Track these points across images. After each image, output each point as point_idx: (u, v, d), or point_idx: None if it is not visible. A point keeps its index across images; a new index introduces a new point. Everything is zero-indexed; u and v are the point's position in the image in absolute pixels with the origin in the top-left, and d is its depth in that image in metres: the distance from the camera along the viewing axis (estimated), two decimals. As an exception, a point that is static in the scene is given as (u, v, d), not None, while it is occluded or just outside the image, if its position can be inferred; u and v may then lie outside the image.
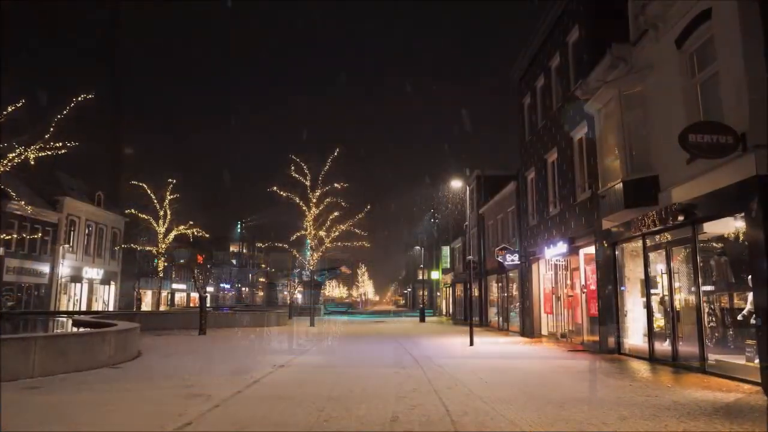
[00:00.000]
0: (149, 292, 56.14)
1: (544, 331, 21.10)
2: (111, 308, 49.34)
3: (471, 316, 17.89)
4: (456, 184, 18.64)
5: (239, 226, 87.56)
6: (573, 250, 17.18)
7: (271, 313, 30.99)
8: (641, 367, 11.13)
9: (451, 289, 46.66)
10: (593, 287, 15.93)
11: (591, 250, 16.72)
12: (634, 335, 13.44)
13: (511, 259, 22.51)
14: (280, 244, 33.69)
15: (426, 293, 54.85)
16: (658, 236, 11.63)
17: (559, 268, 19.81)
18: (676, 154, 10.47)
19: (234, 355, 14.39)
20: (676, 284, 11.06)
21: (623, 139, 12.11)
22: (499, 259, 23.25)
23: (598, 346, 14.90)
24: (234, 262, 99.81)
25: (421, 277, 79.63)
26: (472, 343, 16.94)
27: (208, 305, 73.42)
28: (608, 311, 14.17)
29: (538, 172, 20.77)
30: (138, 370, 10.88)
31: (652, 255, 12.10)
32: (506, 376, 9.91)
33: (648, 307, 12.06)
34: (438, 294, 63.09)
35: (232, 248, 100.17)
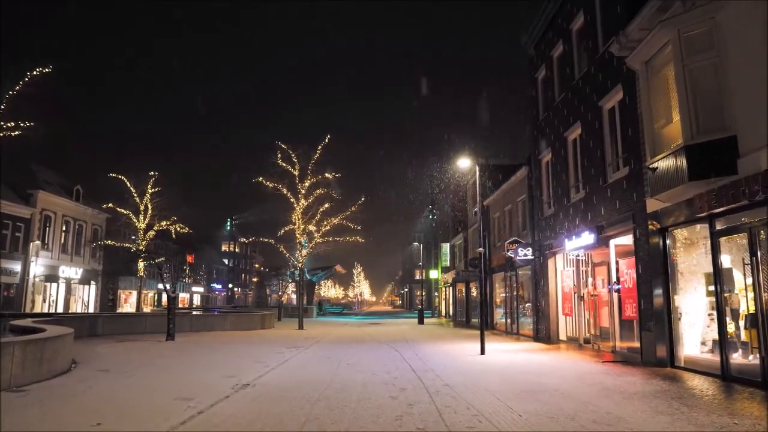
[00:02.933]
0: (134, 293, 53.30)
1: (562, 336, 18.43)
2: (91, 309, 46.65)
3: (482, 319, 15.18)
4: (463, 163, 15.89)
5: (229, 223, 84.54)
6: (602, 241, 14.49)
7: (256, 315, 28.22)
8: (720, 390, 8.42)
9: (451, 288, 43.93)
10: (629, 284, 13.26)
11: (625, 240, 14.07)
12: (691, 344, 10.75)
13: (524, 253, 19.82)
14: (266, 239, 30.94)
15: (424, 293, 52.09)
16: (735, 216, 8.93)
17: (582, 263, 17.14)
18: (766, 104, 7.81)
19: (192, 368, 11.64)
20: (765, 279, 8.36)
21: (685, 94, 9.42)
22: (510, 253, 20.56)
23: (640, 356, 12.23)
24: (226, 261, 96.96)
25: (418, 277, 76.96)
26: (483, 352, 14.23)
27: (198, 306, 70.64)
28: (654, 314, 11.48)
29: (556, 154, 18.08)
30: (45, 394, 8.11)
31: (723, 241, 9.41)
32: (544, 406, 7.20)
33: (718, 308, 9.35)
34: (436, 294, 60.36)
35: (225, 248, 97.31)
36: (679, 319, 10.80)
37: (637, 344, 13.32)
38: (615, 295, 14.35)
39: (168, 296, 18.99)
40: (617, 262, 14.20)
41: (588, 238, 15.00)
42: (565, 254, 18.19)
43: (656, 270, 11.37)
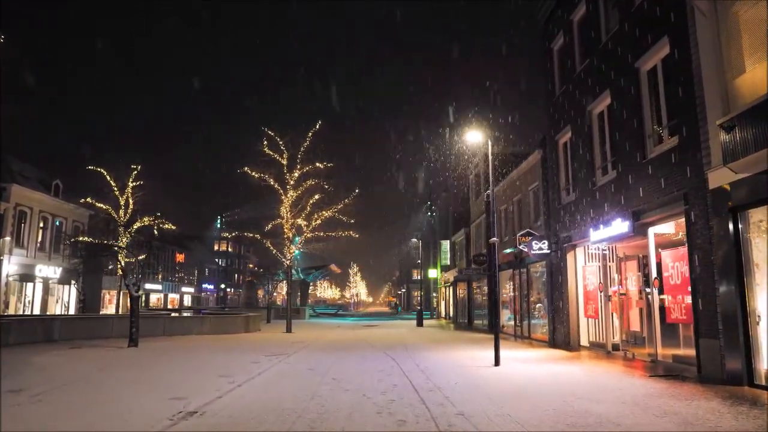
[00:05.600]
0: (121, 293, 50.70)
1: (584, 341, 16.06)
2: (72, 311, 44.19)
3: (495, 322, 12.73)
4: (473, 137, 13.35)
5: (219, 221, 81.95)
6: (639, 229, 12.11)
7: (238, 317, 25.75)
8: None
9: (451, 288, 41.52)
10: (676, 281, 10.87)
11: (669, 227, 11.77)
12: (772, 356, 8.36)
13: (539, 247, 17.41)
14: (250, 234, 28.45)
15: (422, 294, 49.66)
16: None
17: (609, 257, 14.78)
18: None
19: (134, 386, 9.20)
20: None
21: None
22: (522, 247, 18.16)
23: (696, 368, 9.82)
24: (219, 261, 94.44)
25: (416, 277, 74.45)
26: (497, 362, 11.82)
27: (188, 306, 68.02)
28: (722, 317, 9.08)
29: (578, 131, 15.70)
30: None
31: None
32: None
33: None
34: (435, 295, 57.98)
35: (218, 247, 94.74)
36: (758, 323, 8.41)
37: (685, 352, 11.00)
38: (655, 293, 11.98)
39: (131, 296, 16.53)
40: (659, 255, 11.82)
41: (620, 226, 12.62)
42: (587, 247, 15.85)
43: (723, 261, 8.97)
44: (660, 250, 11.78)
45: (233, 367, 11.65)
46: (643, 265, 13.74)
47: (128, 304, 43.95)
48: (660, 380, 9.44)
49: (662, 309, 11.69)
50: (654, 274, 12.00)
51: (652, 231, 12.11)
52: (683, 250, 10.56)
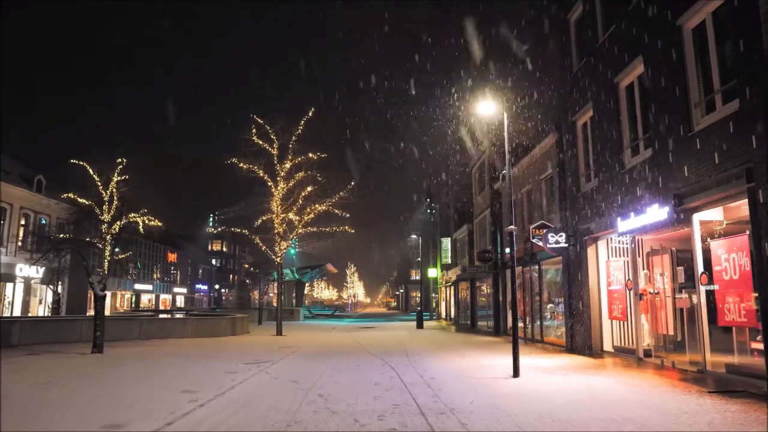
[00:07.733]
0: (107, 294, 48.65)
1: (608, 346, 14.23)
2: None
3: (515, 326, 10.81)
4: (486, 109, 11.27)
5: (211, 219, 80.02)
6: (681, 216, 10.26)
7: (224, 319, 23.85)
8: None
9: (453, 288, 39.64)
10: (732, 276, 9.04)
11: (716, 213, 10.01)
12: None
13: (555, 240, 15.54)
14: (238, 230, 26.57)
15: (422, 293, 47.79)
16: None
17: (638, 252, 12.94)
18: None
19: (69, 406, 7.34)
20: None
21: None
22: (536, 241, 16.32)
23: (767, 383, 7.98)
24: (213, 261, 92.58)
25: (414, 277, 72.62)
26: (516, 373, 9.97)
27: (180, 307, 66.05)
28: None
29: (601, 108, 13.87)
30: None
31: None
32: None
33: None
34: (434, 295, 56.12)
35: (212, 247, 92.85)
36: None
37: (741, 361, 9.24)
38: (702, 291, 10.15)
39: (95, 295, 14.64)
40: (707, 246, 9.98)
41: (658, 213, 10.78)
42: (610, 240, 14.05)
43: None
44: (709, 240, 9.95)
45: (203, 379, 9.80)
46: (680, 259, 11.96)
47: (118, 305, 41.75)
48: (726, 399, 7.59)
49: (711, 309, 9.88)
50: (701, 268, 10.17)
51: (697, 217, 10.27)
52: (743, 238, 8.74)
